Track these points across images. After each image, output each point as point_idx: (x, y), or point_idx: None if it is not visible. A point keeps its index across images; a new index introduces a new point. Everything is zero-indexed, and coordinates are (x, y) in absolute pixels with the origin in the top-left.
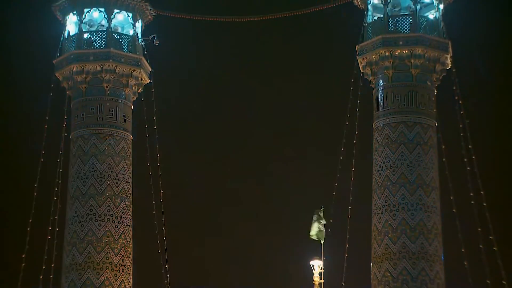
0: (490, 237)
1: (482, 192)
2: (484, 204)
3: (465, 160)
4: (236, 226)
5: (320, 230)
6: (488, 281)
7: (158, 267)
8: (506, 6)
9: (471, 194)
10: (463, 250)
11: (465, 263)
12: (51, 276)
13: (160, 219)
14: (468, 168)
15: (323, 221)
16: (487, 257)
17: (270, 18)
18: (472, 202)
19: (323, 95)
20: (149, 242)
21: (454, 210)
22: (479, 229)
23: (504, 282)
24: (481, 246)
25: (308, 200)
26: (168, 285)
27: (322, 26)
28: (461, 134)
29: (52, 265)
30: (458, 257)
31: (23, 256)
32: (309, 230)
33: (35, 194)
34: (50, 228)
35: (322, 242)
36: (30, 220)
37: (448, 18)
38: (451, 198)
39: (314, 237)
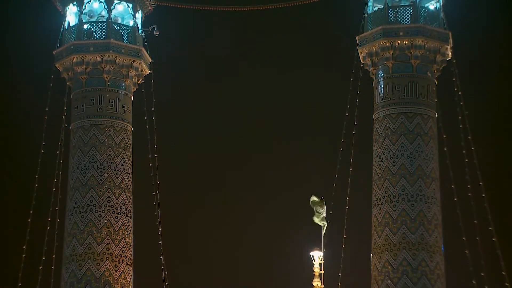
0: (490, 228)
1: (481, 183)
2: (483, 195)
3: (464, 152)
4: (235, 217)
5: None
6: (482, 274)
7: (158, 258)
8: None
9: (469, 186)
10: (464, 238)
11: (466, 251)
12: (52, 267)
13: (158, 210)
14: (466, 160)
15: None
16: (487, 248)
17: (270, 7)
18: (470, 194)
19: (323, 86)
20: (150, 233)
21: (455, 199)
22: (475, 221)
23: (503, 272)
24: (477, 238)
25: (308, 191)
26: (166, 275)
27: (322, 16)
28: (460, 126)
29: (53, 256)
30: (459, 247)
31: (24, 247)
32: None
33: (36, 185)
34: (50, 219)
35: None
36: (31, 211)
37: (449, 9)
38: (453, 187)
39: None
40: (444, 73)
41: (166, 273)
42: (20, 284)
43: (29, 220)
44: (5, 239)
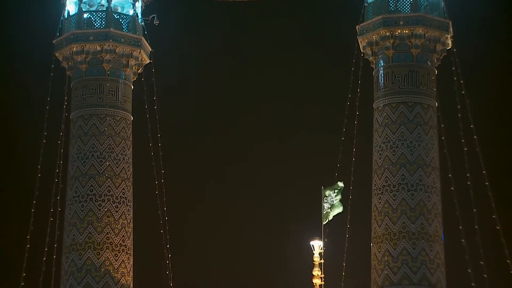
0: (493, 216)
1: (484, 172)
2: (487, 183)
3: (463, 141)
4: (235, 206)
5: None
6: (481, 263)
7: (158, 247)
8: None
9: (468, 175)
10: (460, 227)
11: (462, 240)
12: (54, 257)
13: (162, 199)
14: (465, 149)
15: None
16: (487, 237)
17: None
18: (469, 183)
19: (323, 77)
20: (151, 222)
21: (452, 188)
22: (474, 210)
23: (508, 261)
24: (476, 226)
25: (310, 181)
26: (169, 265)
27: (322, 6)
28: (459, 115)
29: (55, 245)
30: (460, 237)
31: (28, 237)
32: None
33: (39, 175)
34: (52, 210)
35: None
36: (34, 202)
37: None
38: (450, 176)
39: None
40: (444, 62)
41: (169, 258)
42: (24, 275)
43: (32, 210)
44: (8, 229)
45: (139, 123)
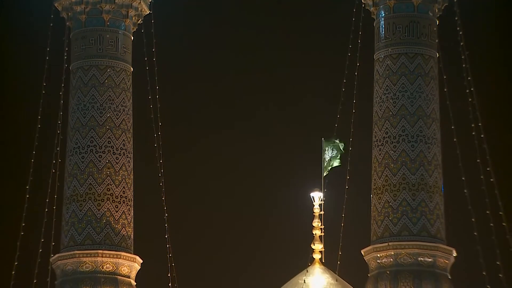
0: (487, 169)
1: (480, 124)
2: (482, 136)
3: (467, 91)
4: (236, 157)
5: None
6: (488, 212)
7: (158, 199)
8: None
9: (473, 125)
10: (463, 178)
11: (465, 191)
12: (54, 207)
13: (159, 152)
14: (470, 100)
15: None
16: (487, 188)
17: None
18: (474, 133)
19: (325, 27)
20: (150, 173)
21: (455, 140)
22: (478, 160)
23: (501, 213)
24: (482, 176)
25: (310, 131)
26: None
27: None
28: (464, 66)
29: (55, 196)
30: (459, 188)
31: (27, 187)
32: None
33: (39, 126)
34: (54, 162)
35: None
36: (33, 152)
37: None
38: (453, 128)
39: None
40: (446, 12)
41: (166, 210)
42: (23, 225)
43: (32, 160)
44: (7, 181)
45: (138, 75)
